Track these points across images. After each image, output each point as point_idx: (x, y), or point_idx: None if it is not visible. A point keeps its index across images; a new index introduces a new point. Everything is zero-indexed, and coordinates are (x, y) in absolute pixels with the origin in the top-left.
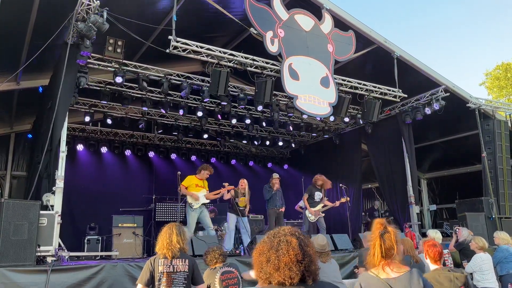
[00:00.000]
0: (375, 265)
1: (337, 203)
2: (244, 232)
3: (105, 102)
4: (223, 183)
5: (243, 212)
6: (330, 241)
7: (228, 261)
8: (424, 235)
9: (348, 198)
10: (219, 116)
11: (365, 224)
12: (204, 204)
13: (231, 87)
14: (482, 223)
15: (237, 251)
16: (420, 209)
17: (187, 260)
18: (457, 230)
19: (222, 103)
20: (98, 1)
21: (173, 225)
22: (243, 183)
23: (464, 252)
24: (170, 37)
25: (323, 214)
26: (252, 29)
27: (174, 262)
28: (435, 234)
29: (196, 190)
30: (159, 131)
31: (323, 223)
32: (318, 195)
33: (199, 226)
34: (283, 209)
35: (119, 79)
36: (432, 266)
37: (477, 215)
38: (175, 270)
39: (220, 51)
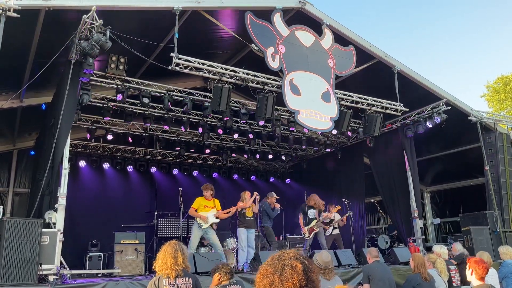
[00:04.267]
0: None
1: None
2: (251, 247)
3: (108, 118)
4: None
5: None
6: (334, 257)
7: (235, 279)
8: (428, 249)
9: (352, 213)
10: (219, 131)
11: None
12: (212, 224)
13: (232, 103)
14: (486, 237)
15: (240, 268)
16: (423, 223)
17: (190, 279)
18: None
19: (224, 118)
20: (101, 20)
21: (176, 243)
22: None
23: (464, 266)
24: (172, 54)
25: (317, 229)
26: (253, 46)
27: (178, 281)
28: (440, 249)
29: (205, 211)
30: (161, 147)
31: (323, 242)
32: (312, 213)
33: (200, 243)
34: None
35: (119, 97)
36: (476, 283)
37: (481, 229)
38: None
39: (221, 68)
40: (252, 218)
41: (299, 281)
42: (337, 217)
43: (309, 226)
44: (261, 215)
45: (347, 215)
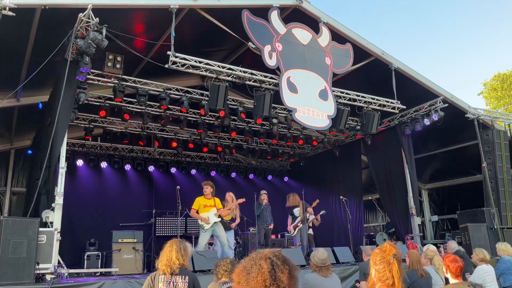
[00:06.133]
0: None
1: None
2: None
3: (105, 117)
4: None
5: (228, 225)
6: (332, 254)
7: None
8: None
9: (325, 211)
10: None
11: None
12: (216, 222)
13: (230, 101)
14: (484, 234)
15: None
16: (421, 220)
17: (187, 277)
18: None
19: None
20: (97, 18)
21: (174, 241)
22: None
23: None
24: (169, 52)
25: (301, 225)
26: (250, 44)
27: (173, 279)
28: (429, 247)
29: (205, 210)
30: (159, 145)
31: (304, 239)
32: (297, 212)
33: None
34: (271, 226)
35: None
36: (452, 281)
37: (479, 226)
38: (174, 287)
39: (218, 66)
40: (229, 221)
41: (263, 281)
42: (311, 217)
43: (294, 223)
44: (267, 215)
45: (320, 213)
